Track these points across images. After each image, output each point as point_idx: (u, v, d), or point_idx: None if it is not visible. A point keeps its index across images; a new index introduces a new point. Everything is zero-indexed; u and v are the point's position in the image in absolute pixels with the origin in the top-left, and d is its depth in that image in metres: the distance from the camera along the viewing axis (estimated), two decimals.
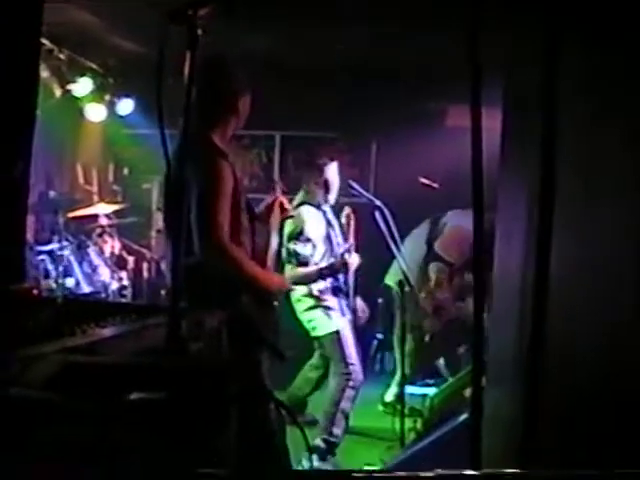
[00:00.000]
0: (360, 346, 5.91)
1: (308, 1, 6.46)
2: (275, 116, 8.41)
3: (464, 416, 4.79)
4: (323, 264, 5.65)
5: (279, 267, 5.46)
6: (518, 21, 2.81)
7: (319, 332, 5.78)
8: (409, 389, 6.68)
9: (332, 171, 5.78)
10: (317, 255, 5.66)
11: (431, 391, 6.48)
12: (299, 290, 5.73)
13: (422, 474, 1.41)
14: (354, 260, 5.70)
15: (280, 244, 5.04)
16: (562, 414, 2.45)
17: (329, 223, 5.82)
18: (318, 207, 5.76)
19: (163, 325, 2.15)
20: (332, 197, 5.79)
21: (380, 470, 4.70)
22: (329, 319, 5.71)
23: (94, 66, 8.98)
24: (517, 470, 1.62)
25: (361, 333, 6.16)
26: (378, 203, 5.70)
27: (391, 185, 7.85)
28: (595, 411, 2.30)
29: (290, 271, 5.58)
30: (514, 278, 2.66)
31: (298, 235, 5.55)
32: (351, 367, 5.64)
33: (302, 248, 5.52)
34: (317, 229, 5.67)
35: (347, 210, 5.77)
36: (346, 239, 5.75)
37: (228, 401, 1.89)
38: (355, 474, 1.53)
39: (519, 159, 2.78)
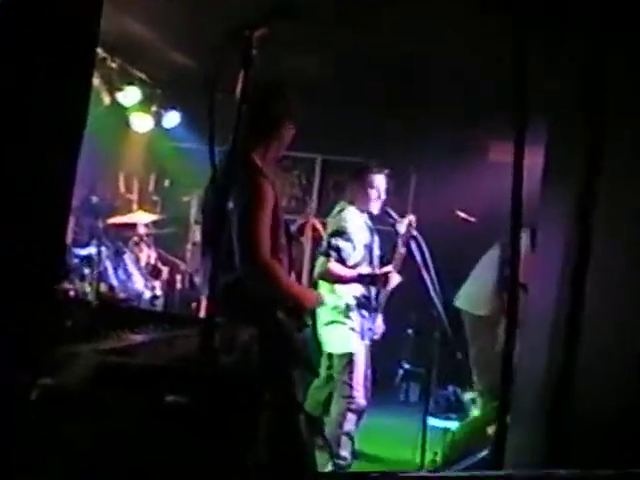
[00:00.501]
0: (373, 372, 5.87)
1: (355, 27, 6.51)
2: (317, 140, 8.45)
3: (484, 453, 4.78)
4: (362, 270, 5.64)
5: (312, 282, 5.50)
6: (563, 63, 2.83)
7: (334, 349, 5.77)
8: (431, 421, 6.65)
9: (379, 181, 5.78)
10: (355, 258, 5.65)
11: (453, 425, 6.47)
12: (327, 301, 5.71)
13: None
14: (395, 278, 5.68)
15: (312, 263, 5.05)
16: (590, 452, 2.44)
17: (370, 231, 5.82)
18: (360, 213, 5.77)
19: (196, 336, 2.19)
20: (376, 206, 5.79)
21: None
22: (348, 340, 5.69)
23: (144, 77, 9.10)
24: (521, 471, 1.62)
25: (380, 360, 6.13)
26: (415, 233, 5.70)
27: (428, 216, 7.85)
28: (623, 447, 2.29)
29: (327, 264, 5.52)
30: (546, 313, 2.67)
31: (341, 233, 5.56)
32: (355, 391, 5.61)
33: (342, 244, 5.52)
34: (358, 233, 5.67)
35: (410, 217, 5.74)
36: (394, 251, 5.72)
37: (259, 411, 1.92)
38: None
39: (559, 196, 2.79)
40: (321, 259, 5.58)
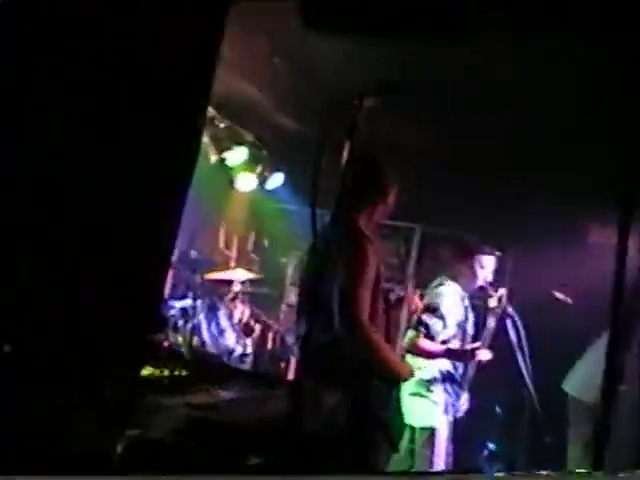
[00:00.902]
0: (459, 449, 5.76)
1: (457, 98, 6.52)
2: (418, 210, 8.47)
3: None
4: (451, 346, 5.58)
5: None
6: None
7: (416, 422, 5.68)
8: None
9: (489, 262, 5.74)
10: (445, 335, 5.59)
11: None
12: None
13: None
14: (484, 355, 5.60)
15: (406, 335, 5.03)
16: None
17: (465, 309, 5.76)
18: (459, 290, 5.72)
19: (284, 396, 2.20)
20: (475, 287, 5.74)
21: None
22: (431, 413, 5.61)
23: (251, 138, 9.26)
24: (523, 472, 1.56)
25: (464, 438, 6.02)
26: (510, 311, 5.63)
27: (524, 295, 7.75)
28: None
29: (415, 339, 5.48)
30: None
31: (433, 310, 5.52)
32: (434, 467, 5.51)
33: (433, 321, 5.48)
34: (453, 311, 5.62)
35: (501, 291, 5.68)
36: (484, 324, 5.66)
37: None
38: None
39: None
40: (410, 333, 5.55)
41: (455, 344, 5.64)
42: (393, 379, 3.94)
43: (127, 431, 1.66)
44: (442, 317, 5.54)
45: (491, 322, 5.62)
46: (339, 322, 3.65)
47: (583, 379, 6.37)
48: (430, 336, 5.52)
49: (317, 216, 2.22)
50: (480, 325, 5.78)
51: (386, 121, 4.80)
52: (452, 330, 5.61)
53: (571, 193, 8.08)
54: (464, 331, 5.73)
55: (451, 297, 5.65)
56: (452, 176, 8.69)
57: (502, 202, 8.74)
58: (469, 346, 5.67)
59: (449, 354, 5.57)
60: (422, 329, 5.49)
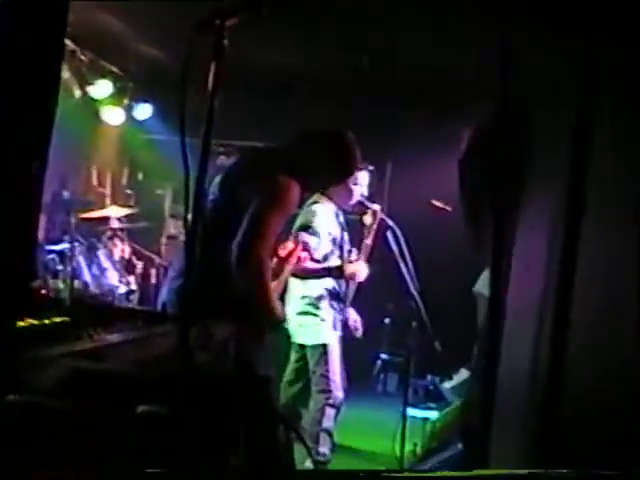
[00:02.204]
0: (348, 364, 5.82)
1: (327, 12, 6.47)
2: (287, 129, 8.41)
3: None
4: (331, 263, 5.58)
5: None
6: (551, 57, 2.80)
7: (306, 341, 5.71)
8: (410, 412, 6.62)
9: (363, 178, 5.71)
10: (323, 251, 5.57)
11: (433, 415, 6.45)
12: (296, 292, 5.67)
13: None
14: (361, 273, 5.61)
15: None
16: (571, 446, 2.41)
17: (341, 226, 5.75)
18: (332, 208, 5.70)
19: (171, 334, 2.14)
20: (350, 203, 5.71)
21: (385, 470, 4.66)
22: (319, 330, 5.64)
23: (115, 69, 9.01)
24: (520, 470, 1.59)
25: (356, 352, 6.08)
26: (390, 223, 5.64)
27: (403, 206, 7.83)
28: (611, 445, 2.27)
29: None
30: (531, 299, 2.64)
31: (307, 227, 5.48)
32: (332, 384, 5.54)
33: (310, 238, 5.44)
34: (327, 227, 5.59)
35: (374, 207, 5.65)
36: (361, 242, 5.66)
37: (235, 413, 1.87)
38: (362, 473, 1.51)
39: (544, 187, 2.76)
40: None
41: (335, 261, 5.64)
42: (267, 317, 3.92)
43: (6, 392, 1.57)
44: (316, 233, 5.51)
45: (368, 237, 5.62)
46: (238, 253, 3.60)
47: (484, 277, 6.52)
48: (310, 254, 5.49)
49: (186, 146, 2.13)
50: (357, 241, 5.78)
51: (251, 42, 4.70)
52: (327, 247, 5.59)
53: (441, 99, 8.16)
54: (341, 247, 5.72)
55: (324, 214, 5.62)
56: (318, 94, 8.67)
57: (372, 115, 8.75)
58: (347, 261, 5.64)
59: (329, 271, 5.55)
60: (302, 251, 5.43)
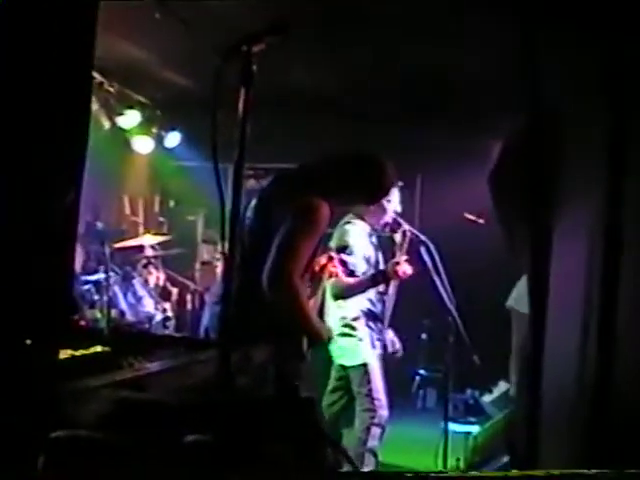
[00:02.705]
0: (389, 382, 5.77)
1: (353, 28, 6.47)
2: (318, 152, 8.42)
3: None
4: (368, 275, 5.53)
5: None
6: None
7: (346, 362, 5.68)
8: (452, 427, 6.56)
9: (391, 195, 5.67)
10: (358, 271, 5.54)
11: (474, 429, 6.39)
12: (332, 314, 5.63)
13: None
14: (406, 268, 5.53)
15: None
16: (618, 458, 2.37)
17: (374, 246, 5.72)
18: (365, 228, 5.67)
19: (212, 360, 2.14)
20: (382, 222, 5.67)
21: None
22: (358, 350, 5.61)
23: (142, 99, 9.09)
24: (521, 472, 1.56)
25: (395, 369, 6.04)
26: (423, 238, 5.61)
27: (436, 220, 7.80)
28: None
29: (337, 280, 5.39)
30: (572, 310, 2.61)
31: (343, 248, 5.45)
32: (376, 402, 5.49)
33: (347, 258, 5.41)
34: (361, 248, 5.56)
35: (404, 227, 5.60)
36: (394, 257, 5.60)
37: (284, 440, 1.86)
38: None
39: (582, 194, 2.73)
40: (331, 280, 5.38)
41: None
42: (312, 340, 3.91)
43: (54, 422, 1.57)
44: (353, 253, 5.49)
45: (399, 256, 5.58)
46: (270, 276, 3.59)
47: (519, 292, 6.46)
48: (349, 272, 5.46)
49: (220, 171, 2.14)
50: (390, 259, 5.74)
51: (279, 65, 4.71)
52: (363, 267, 5.57)
53: (470, 112, 8.13)
54: (376, 267, 5.69)
55: (358, 234, 5.60)
56: (345, 114, 8.67)
57: (400, 131, 8.75)
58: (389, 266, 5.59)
59: (374, 279, 5.48)
60: (340, 268, 5.38)
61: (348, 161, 4.18)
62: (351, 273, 5.45)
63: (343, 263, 5.32)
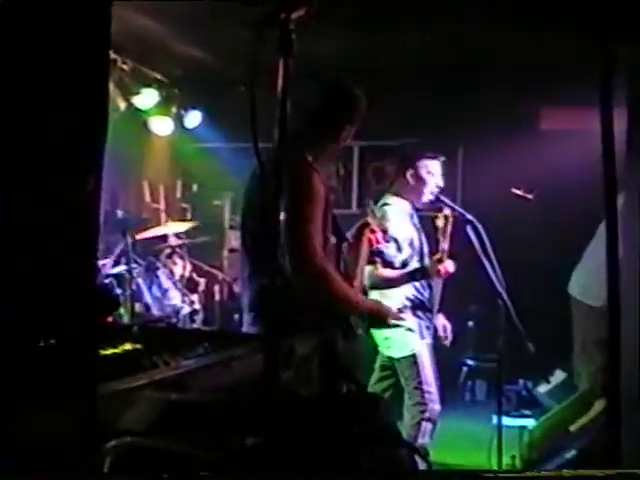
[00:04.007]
0: (439, 372, 5.73)
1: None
2: None
3: (572, 453, 4.66)
4: (410, 268, 5.50)
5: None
6: None
7: (394, 353, 5.64)
8: (504, 421, 6.50)
9: (435, 168, 5.61)
10: (402, 257, 5.50)
11: (530, 423, 6.34)
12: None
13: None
14: (449, 266, 5.49)
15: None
16: None
17: (416, 227, 5.66)
18: (406, 208, 5.62)
19: (250, 354, 2.11)
20: (424, 199, 5.60)
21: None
22: (407, 341, 5.56)
23: (159, 76, 9.07)
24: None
25: (441, 359, 6.00)
26: (470, 217, 5.54)
27: (481, 197, 7.73)
28: None
29: (374, 272, 5.37)
30: None
31: (383, 234, 5.35)
32: (427, 396, 5.46)
33: (386, 247, 5.34)
34: (403, 230, 5.51)
35: (446, 212, 5.53)
36: (437, 245, 5.53)
37: (351, 444, 1.83)
38: None
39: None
40: (368, 269, 5.33)
41: (415, 265, 5.57)
42: (357, 319, 3.85)
43: (94, 429, 1.56)
44: (393, 239, 5.44)
45: (444, 242, 5.51)
46: (290, 262, 3.53)
47: (586, 281, 6.34)
48: (388, 263, 5.43)
49: (238, 151, 2.11)
50: (434, 241, 5.69)
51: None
52: (407, 252, 5.53)
53: (517, 79, 8.05)
54: (421, 250, 5.65)
55: (397, 216, 5.54)
56: (380, 80, 8.61)
57: (441, 100, 8.69)
58: (429, 261, 5.54)
59: (413, 275, 5.48)
60: (377, 259, 5.34)
61: (309, 98, 3.99)
62: (390, 264, 5.42)
63: (379, 254, 5.25)
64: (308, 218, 3.57)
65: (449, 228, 5.45)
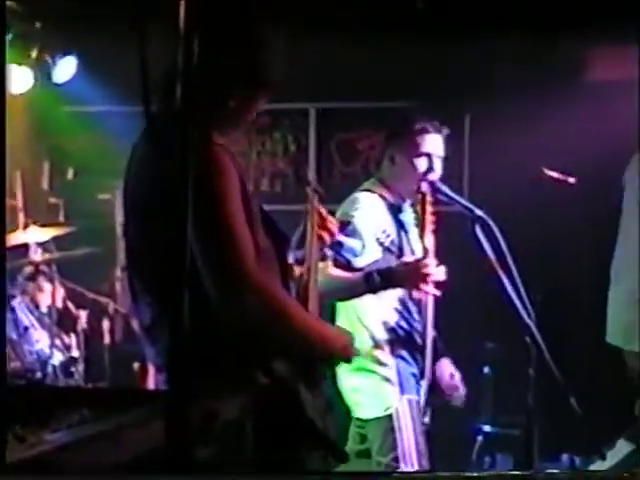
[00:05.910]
0: (435, 444, 5.79)
1: None
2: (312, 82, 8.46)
3: None
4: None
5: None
6: None
7: (364, 413, 5.72)
8: None
9: (435, 145, 5.66)
10: (366, 260, 5.46)
11: None
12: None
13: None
14: (436, 273, 5.49)
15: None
16: None
17: (403, 226, 5.65)
18: (390, 199, 5.66)
19: (152, 422, 2.17)
20: (416, 187, 5.58)
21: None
22: (380, 394, 5.58)
23: (14, 6, 9.04)
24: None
25: (447, 424, 6.07)
26: (479, 213, 5.56)
27: (496, 184, 7.83)
28: None
29: (323, 271, 5.16)
30: None
31: (345, 225, 5.30)
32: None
33: (348, 240, 5.30)
34: (376, 226, 5.49)
35: (423, 188, 5.47)
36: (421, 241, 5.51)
37: None
38: None
39: None
40: (319, 266, 5.17)
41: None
42: (323, 356, 3.91)
43: None
44: (356, 233, 5.41)
45: (422, 228, 5.47)
46: (216, 279, 3.55)
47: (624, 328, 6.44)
48: (341, 263, 5.36)
49: (131, 116, 2.19)
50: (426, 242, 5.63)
51: None
52: (376, 254, 5.48)
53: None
54: (400, 250, 5.61)
55: (372, 207, 5.56)
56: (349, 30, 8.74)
57: (442, 46, 8.81)
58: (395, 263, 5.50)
59: (370, 280, 5.34)
60: (330, 254, 5.26)
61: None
62: (347, 264, 5.38)
63: (339, 245, 5.21)
64: (227, 215, 3.58)
65: (428, 210, 5.45)
